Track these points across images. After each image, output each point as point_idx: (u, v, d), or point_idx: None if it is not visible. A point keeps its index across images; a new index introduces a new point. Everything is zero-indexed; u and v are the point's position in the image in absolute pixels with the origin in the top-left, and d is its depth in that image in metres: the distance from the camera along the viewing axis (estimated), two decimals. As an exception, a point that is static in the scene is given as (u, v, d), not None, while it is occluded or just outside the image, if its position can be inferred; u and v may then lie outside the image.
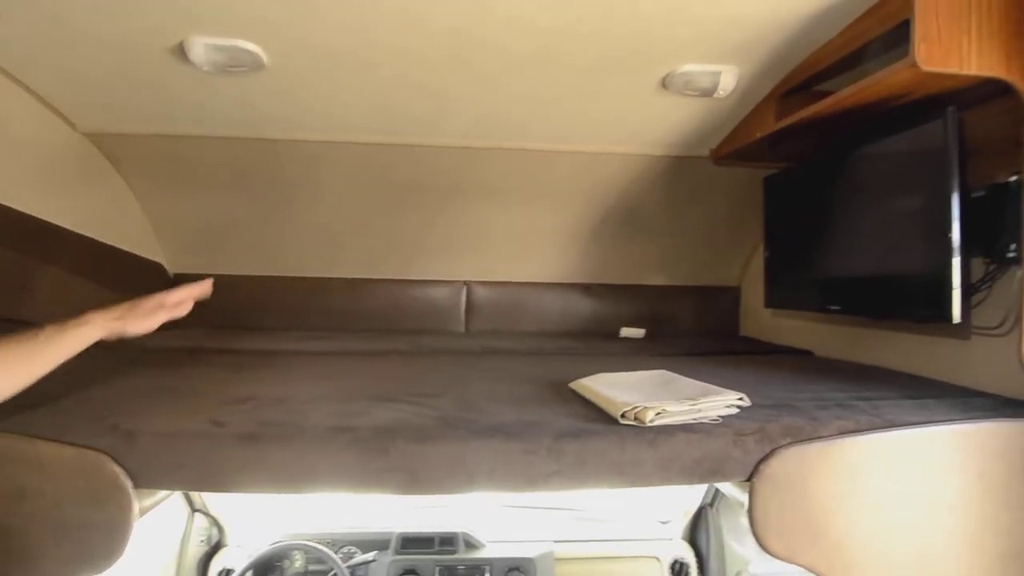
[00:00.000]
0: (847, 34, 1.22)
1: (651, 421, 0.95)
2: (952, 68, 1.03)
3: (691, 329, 2.29)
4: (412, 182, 1.95)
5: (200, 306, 2.11)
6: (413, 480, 0.92)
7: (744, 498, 0.98)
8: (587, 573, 2.02)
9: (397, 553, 1.93)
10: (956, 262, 1.14)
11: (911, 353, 1.46)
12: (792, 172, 1.79)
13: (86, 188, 1.76)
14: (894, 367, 1.51)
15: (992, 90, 1.06)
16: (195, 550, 1.94)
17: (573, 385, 1.21)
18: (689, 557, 2.05)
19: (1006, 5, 1.03)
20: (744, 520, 1.90)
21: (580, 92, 1.55)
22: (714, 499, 2.01)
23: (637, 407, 0.97)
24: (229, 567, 1.96)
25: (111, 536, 0.88)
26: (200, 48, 1.27)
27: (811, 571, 0.97)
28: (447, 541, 1.95)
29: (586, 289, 2.27)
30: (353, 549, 1.96)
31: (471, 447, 0.92)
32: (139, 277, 1.97)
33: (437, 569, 1.90)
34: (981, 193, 1.15)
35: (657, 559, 2.04)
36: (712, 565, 2.01)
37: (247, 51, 1.29)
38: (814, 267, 1.66)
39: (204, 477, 0.91)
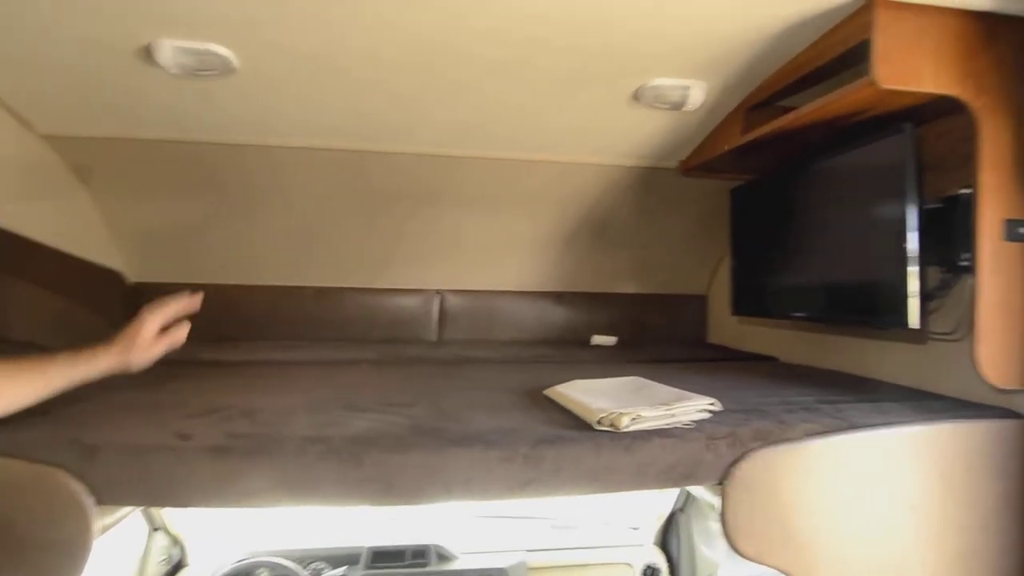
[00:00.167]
0: (810, 52, 1.27)
1: (626, 427, 0.96)
2: (909, 86, 1.08)
3: (661, 336, 2.33)
4: (385, 189, 1.94)
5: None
6: (388, 491, 0.90)
7: (716, 501, 1.00)
8: (560, 582, 2.02)
9: (368, 568, 1.89)
10: (913, 271, 1.19)
11: (872, 358, 1.52)
12: (758, 184, 1.85)
13: (41, 192, 1.69)
14: (856, 372, 1.56)
15: (947, 107, 1.12)
16: (155, 570, 1.86)
17: (548, 392, 1.21)
18: (661, 562, 2.07)
19: (960, 28, 1.09)
20: (713, 524, 1.95)
21: (554, 103, 1.57)
22: (685, 504, 2.04)
23: (612, 413, 0.98)
24: (191, 587, 1.89)
25: (68, 556, 0.84)
26: (168, 51, 1.24)
27: (780, 571, 1.00)
28: (419, 554, 1.92)
29: (559, 297, 2.29)
30: (322, 565, 1.91)
31: (448, 456, 0.91)
32: (94, 285, 1.90)
33: (409, 582, 1.87)
34: (936, 205, 1.20)
35: (629, 565, 2.05)
36: (683, 570, 2.03)
37: (217, 54, 1.27)
38: (779, 276, 1.72)
39: (170, 492, 0.88)
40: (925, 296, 1.22)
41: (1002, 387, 1.11)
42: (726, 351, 2.13)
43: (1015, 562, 1.07)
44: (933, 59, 1.08)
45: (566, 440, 0.95)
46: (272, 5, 1.15)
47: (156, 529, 1.87)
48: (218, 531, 1.98)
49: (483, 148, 1.83)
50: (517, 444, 0.93)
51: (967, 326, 1.16)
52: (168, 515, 1.87)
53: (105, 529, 0.88)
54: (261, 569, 1.82)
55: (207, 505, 0.92)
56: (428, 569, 1.90)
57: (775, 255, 1.72)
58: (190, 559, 1.94)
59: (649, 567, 2.05)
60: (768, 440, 1.00)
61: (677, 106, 1.53)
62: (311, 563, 1.90)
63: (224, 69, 1.33)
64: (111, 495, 0.85)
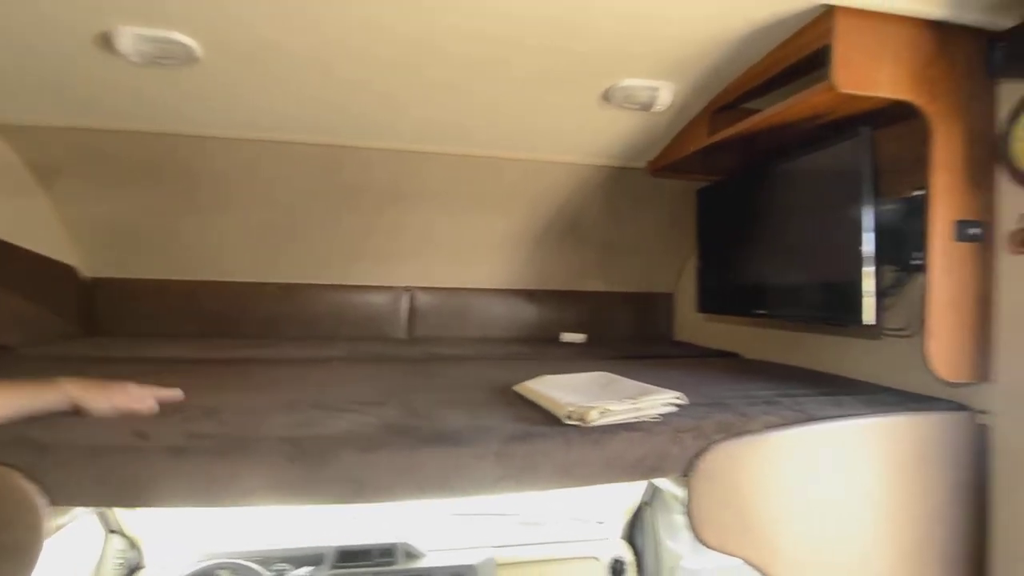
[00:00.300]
0: (774, 56, 1.31)
1: (594, 421, 0.97)
2: (867, 91, 1.12)
3: (628, 334, 2.37)
4: (355, 185, 1.91)
5: (119, 312, 2.00)
6: (359, 490, 0.89)
7: (681, 493, 1.02)
8: (529, 577, 2.03)
9: (333, 567, 1.87)
10: (869, 270, 1.24)
11: (829, 354, 1.57)
12: (723, 185, 1.89)
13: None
14: (814, 367, 1.62)
15: (902, 112, 1.17)
16: (112, 574, 1.80)
17: (518, 388, 1.22)
18: (627, 556, 2.10)
19: (915, 37, 1.14)
20: (678, 517, 1.98)
21: (526, 102, 1.57)
22: (651, 498, 2.07)
23: (581, 407, 0.99)
24: (149, 591, 1.83)
25: (18, 559, 0.80)
26: (128, 38, 1.20)
27: (743, 560, 1.03)
28: (386, 553, 1.91)
29: (529, 295, 2.30)
30: (285, 566, 1.87)
31: (420, 454, 0.91)
32: (46, 281, 1.82)
33: (376, 581, 1.85)
34: (891, 206, 1.25)
35: (597, 559, 2.07)
36: (649, 562, 2.07)
37: (180, 43, 1.23)
38: (742, 274, 1.76)
39: (128, 493, 0.85)
40: (880, 294, 1.27)
41: (952, 381, 1.16)
42: (692, 347, 2.18)
43: (966, 548, 1.12)
44: (890, 65, 1.12)
45: (537, 436, 0.95)
46: (238, -7, 1.12)
47: (112, 532, 1.80)
48: (177, 533, 1.92)
49: (455, 145, 1.82)
50: (489, 441, 0.93)
51: (919, 323, 1.22)
52: (124, 517, 1.80)
53: (57, 529, 0.85)
54: (222, 571, 1.77)
55: (167, 505, 0.90)
56: (395, 568, 1.89)
57: (739, 254, 1.77)
58: (147, 562, 1.88)
59: (616, 560, 2.08)
60: (731, 432, 1.03)
61: (646, 107, 1.56)
62: (274, 564, 1.87)
63: (187, 58, 1.29)
64: (65, 495, 0.82)
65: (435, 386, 1.32)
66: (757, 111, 1.39)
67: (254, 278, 2.08)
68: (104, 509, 1.73)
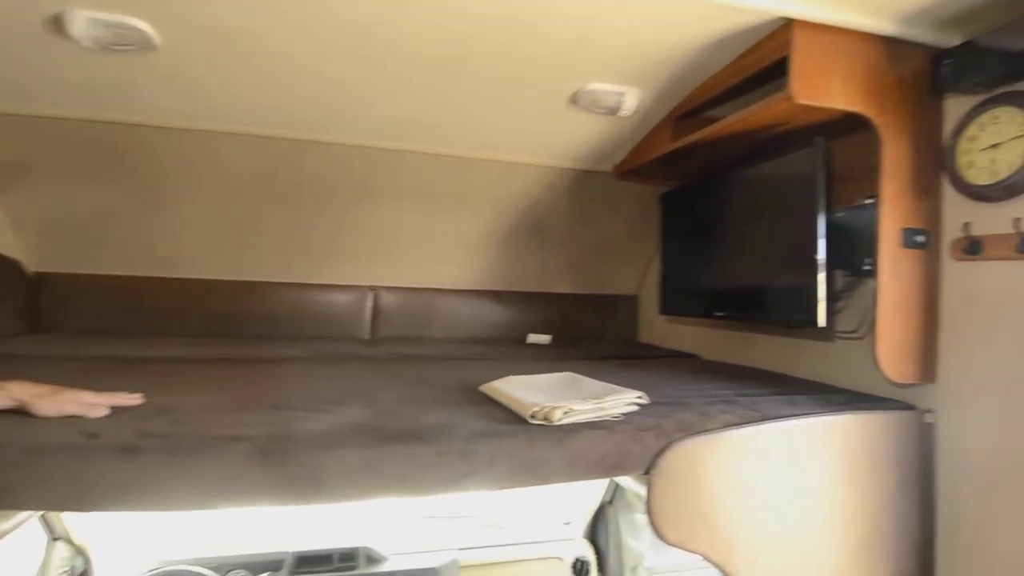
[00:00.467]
0: (735, 66, 1.35)
1: (559, 420, 0.98)
2: (821, 102, 1.17)
3: (593, 335, 2.39)
4: (317, 180, 1.88)
5: (65, 309, 1.91)
6: (317, 489, 0.87)
7: (643, 491, 1.04)
8: (492, 578, 2.03)
9: (292, 573, 1.83)
10: (821, 276, 1.29)
11: (785, 355, 1.63)
12: (685, 190, 1.93)
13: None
14: (771, 368, 1.67)
15: (855, 123, 1.22)
16: (54, 583, 1.72)
17: (483, 388, 1.22)
18: (590, 555, 2.12)
19: (867, 51, 1.19)
20: (639, 516, 2.01)
21: (493, 102, 1.57)
22: (613, 497, 2.10)
23: (546, 407, 0.99)
24: (96, 601, 1.76)
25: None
26: (81, 22, 1.15)
27: (702, 556, 1.05)
28: (347, 557, 1.88)
29: (496, 296, 2.30)
30: (242, 573, 1.83)
31: (381, 452, 0.90)
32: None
33: (337, 587, 1.82)
34: (844, 213, 1.30)
35: (560, 559, 2.09)
36: (611, 561, 2.09)
37: (136, 29, 1.19)
38: (702, 278, 1.80)
39: (74, 495, 0.81)
40: (832, 298, 1.32)
41: (899, 382, 1.21)
42: (653, 349, 2.22)
43: (911, 542, 1.18)
44: (843, 78, 1.17)
45: (501, 434, 0.96)
46: (198, -20, 1.09)
47: (56, 539, 1.72)
48: (127, 539, 1.85)
49: (423, 143, 1.81)
50: (452, 439, 0.93)
51: (868, 326, 1.27)
52: (70, 522, 1.72)
53: (0, 536, 0.80)
54: (175, 579, 1.71)
55: (116, 508, 0.86)
56: (357, 572, 1.86)
57: (699, 258, 1.81)
58: (95, 570, 1.80)
59: (578, 560, 2.10)
60: (690, 431, 1.05)
61: (612, 111, 1.58)
62: (230, 571, 1.82)
63: (143, 45, 1.24)
64: (6, 499, 0.78)
65: (398, 386, 1.31)
66: (719, 119, 1.42)
67: (209, 275, 2.01)
68: (48, 514, 1.65)
